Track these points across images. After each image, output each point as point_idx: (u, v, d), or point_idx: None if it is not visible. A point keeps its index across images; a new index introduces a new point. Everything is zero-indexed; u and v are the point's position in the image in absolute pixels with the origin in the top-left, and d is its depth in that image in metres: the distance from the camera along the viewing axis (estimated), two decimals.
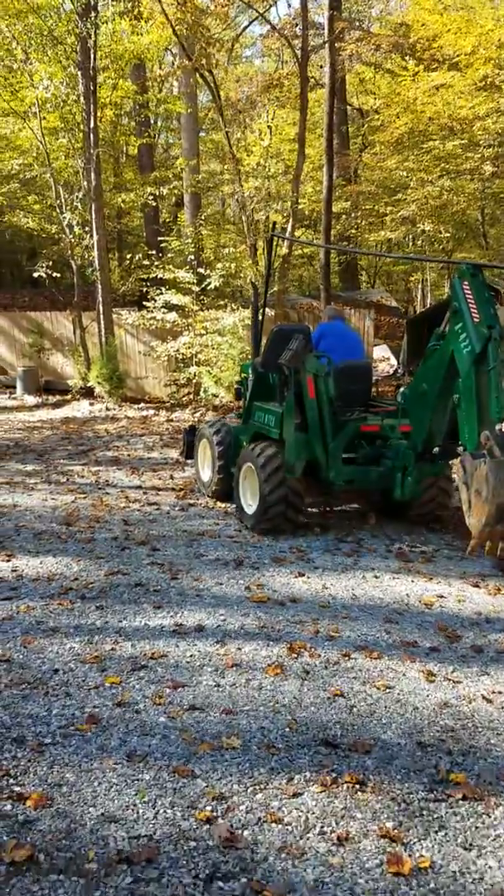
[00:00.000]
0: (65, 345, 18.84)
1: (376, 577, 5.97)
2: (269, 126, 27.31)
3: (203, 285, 14.98)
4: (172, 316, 14.86)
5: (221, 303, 16.17)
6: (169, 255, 17.42)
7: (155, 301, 15.38)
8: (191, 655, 4.51)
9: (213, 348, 14.86)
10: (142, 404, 16.64)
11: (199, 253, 15.76)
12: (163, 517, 7.77)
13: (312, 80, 28.78)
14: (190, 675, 4.26)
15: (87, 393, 17.15)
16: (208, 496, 8.45)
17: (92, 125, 15.75)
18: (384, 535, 7.21)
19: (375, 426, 7.02)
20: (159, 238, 18.38)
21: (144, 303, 15.99)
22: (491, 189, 18.58)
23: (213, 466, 8.21)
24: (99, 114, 16.47)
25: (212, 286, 14.81)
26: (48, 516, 7.77)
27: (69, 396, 17.80)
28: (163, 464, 10.50)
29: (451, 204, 19.42)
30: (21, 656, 4.48)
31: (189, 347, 14.79)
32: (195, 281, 14.94)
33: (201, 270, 15.24)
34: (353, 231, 21.11)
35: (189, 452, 8.95)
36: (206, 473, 8.51)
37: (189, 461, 9.60)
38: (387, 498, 7.33)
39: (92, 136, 15.78)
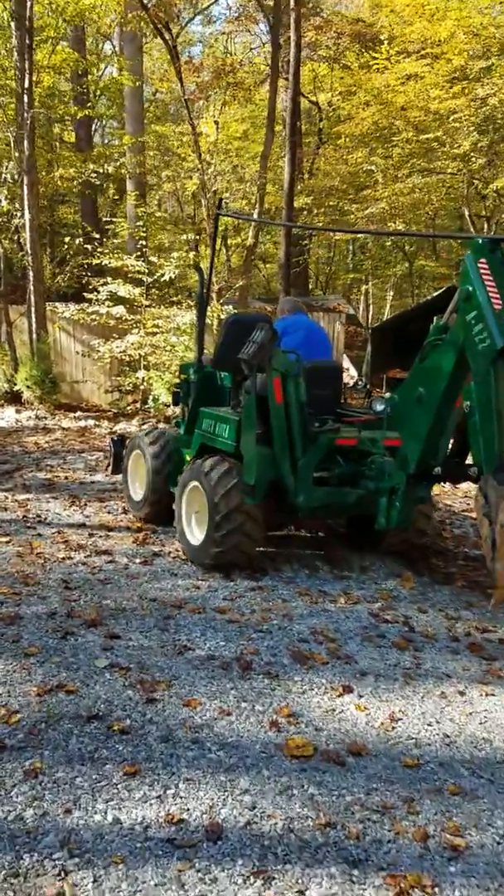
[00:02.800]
0: None
1: (461, 693, 3.91)
2: (215, 121, 25.37)
3: (156, 276, 12.76)
4: (119, 310, 12.60)
5: (174, 299, 14.02)
6: (113, 242, 15.20)
7: (98, 293, 13.07)
8: None
9: (167, 350, 12.68)
10: (79, 413, 14.29)
11: (145, 243, 13.48)
12: (119, 575, 5.57)
13: (267, 67, 26.90)
14: None
15: (14, 398, 14.70)
16: (139, 519, 7.01)
17: (26, 85, 13.40)
18: (423, 595, 5.18)
19: (353, 439, 5.72)
20: (105, 220, 16.04)
21: (86, 295, 13.64)
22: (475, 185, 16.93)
23: (148, 484, 6.83)
24: (35, 77, 14.13)
25: (165, 277, 12.60)
26: None
27: None
28: (111, 490, 8.25)
29: (423, 203, 17.77)
30: None
31: (138, 348, 12.55)
32: (146, 270, 12.71)
33: (153, 259, 13.01)
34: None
35: (117, 467, 7.64)
36: (138, 492, 7.10)
37: (117, 476, 8.08)
38: (354, 522, 6.31)
39: (26, 97, 13.43)
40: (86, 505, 7.68)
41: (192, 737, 3.35)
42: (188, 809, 2.82)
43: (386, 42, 18.20)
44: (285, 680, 3.95)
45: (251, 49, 29.03)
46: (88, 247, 13.90)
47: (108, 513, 7.43)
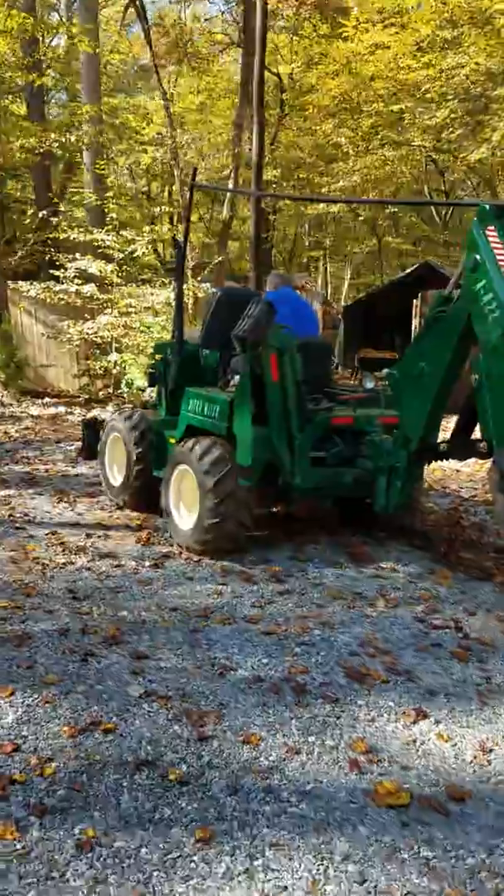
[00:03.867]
0: None
1: None
2: (169, 93, 24.51)
3: (127, 251, 12.06)
4: (90, 288, 11.87)
5: (144, 276, 13.34)
6: (71, 217, 14.36)
7: (65, 270, 12.32)
8: None
9: (141, 331, 12.03)
10: (47, 399, 13.60)
11: (115, 216, 12.76)
12: (130, 581, 5.04)
13: (224, 37, 26.07)
14: None
15: None
16: (118, 505, 6.80)
17: None
18: (465, 594, 4.78)
19: (348, 418, 5.61)
20: (71, 190, 15.19)
21: (53, 272, 12.85)
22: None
23: (127, 469, 6.58)
24: None
25: (138, 253, 11.92)
26: None
27: None
28: (98, 484, 7.66)
29: (396, 175, 17.33)
30: None
31: (111, 329, 11.87)
32: (116, 246, 11.99)
33: (125, 233, 12.29)
34: (287, 203, 18.59)
35: (90, 452, 7.49)
36: (117, 477, 6.83)
37: (90, 462, 8.04)
38: (343, 501, 6.30)
39: None
40: (75, 501, 7.09)
41: (263, 785, 2.86)
42: (286, 888, 2.34)
43: (355, 9, 17.62)
44: (348, 704, 3.49)
45: (206, 18, 28.12)
46: (54, 220, 13.08)
47: (102, 509, 6.86)
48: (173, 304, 7.90)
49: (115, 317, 11.76)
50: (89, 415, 11.99)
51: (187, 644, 4.08)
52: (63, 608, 4.56)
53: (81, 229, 12.74)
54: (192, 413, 5.87)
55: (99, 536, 6.03)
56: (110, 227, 12.18)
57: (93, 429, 7.54)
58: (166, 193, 29.90)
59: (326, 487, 5.69)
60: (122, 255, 12.05)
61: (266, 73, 25.75)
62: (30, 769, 2.92)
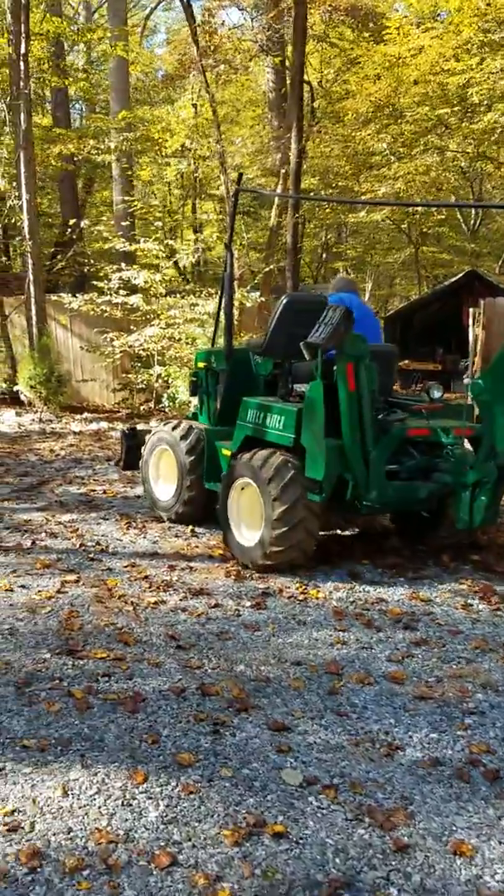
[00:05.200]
0: None
1: None
2: (193, 104, 24.08)
3: (174, 260, 11.51)
4: (136, 299, 11.31)
5: (187, 287, 12.79)
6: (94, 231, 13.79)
7: (108, 280, 11.77)
8: None
9: (187, 343, 11.46)
10: (86, 414, 13.03)
11: (161, 224, 12.23)
12: (234, 626, 4.42)
13: (257, 44, 25.66)
14: None
15: (13, 400, 13.40)
16: (168, 519, 6.51)
17: (23, 50, 12.03)
18: None
19: (424, 429, 5.33)
20: (124, 199, 14.67)
21: (96, 283, 12.30)
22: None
23: (179, 482, 6.33)
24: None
25: (185, 262, 11.37)
26: (25, 632, 4.27)
27: None
28: (194, 521, 7.01)
29: (442, 182, 16.75)
30: None
31: (157, 341, 11.31)
32: (166, 255, 11.44)
33: (171, 242, 11.76)
34: (327, 210, 18.02)
35: (130, 462, 7.29)
36: (166, 491, 6.57)
37: (129, 472, 7.94)
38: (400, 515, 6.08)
39: (23, 64, 12.06)
40: (144, 527, 6.49)
41: None
42: None
43: (396, 10, 17.13)
44: None
45: (236, 26, 27.70)
46: (102, 228, 12.56)
47: (176, 536, 6.26)
48: (220, 312, 7.71)
49: (162, 328, 11.17)
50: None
51: (330, 711, 3.45)
52: (169, 660, 3.95)
53: (124, 239, 12.17)
54: (252, 424, 5.57)
55: (183, 569, 5.42)
56: (158, 235, 11.63)
57: (132, 438, 7.32)
58: (189, 206, 29.40)
59: (399, 502, 5.45)
60: (169, 265, 11.47)
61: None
62: (198, 894, 2.30)
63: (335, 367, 5.02)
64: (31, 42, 14.23)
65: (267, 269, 12.45)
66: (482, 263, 23.08)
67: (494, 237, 27.62)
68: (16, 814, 2.69)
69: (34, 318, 12.79)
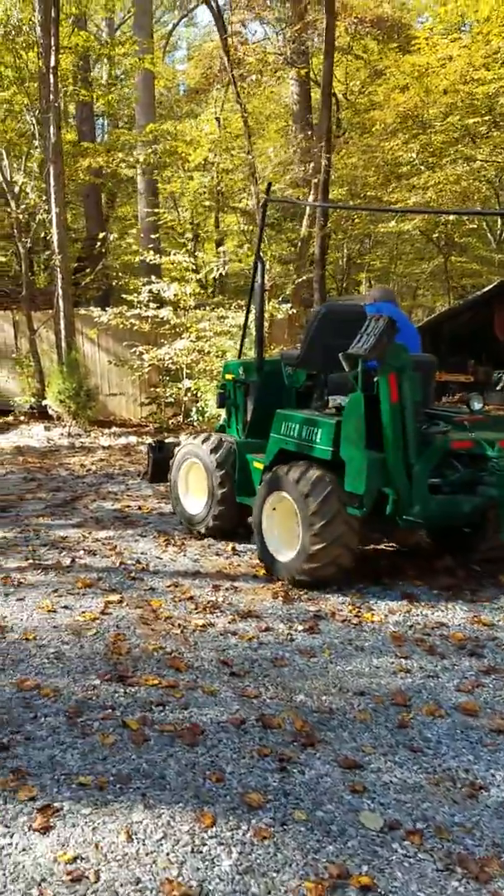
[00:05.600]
0: (5, 353, 14.87)
1: None
2: (216, 117, 24.08)
3: (204, 273, 11.39)
4: (166, 312, 11.19)
5: (215, 299, 12.65)
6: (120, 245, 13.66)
7: (139, 294, 11.66)
8: None
9: (217, 356, 11.31)
10: (114, 429, 12.91)
11: (191, 236, 12.09)
12: (289, 651, 4.21)
13: (276, 56, 25.67)
14: None
15: (41, 414, 13.31)
16: (199, 533, 6.40)
17: (52, 63, 12.00)
18: None
19: (468, 441, 5.15)
20: (151, 210, 14.60)
21: (125, 296, 12.20)
22: None
23: (210, 495, 6.25)
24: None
25: (214, 275, 11.24)
26: (72, 656, 4.09)
27: (11, 418, 13.90)
28: (225, 536, 6.84)
29: (473, 191, 16.55)
30: None
31: (187, 354, 11.17)
32: (194, 267, 11.32)
33: (199, 254, 11.64)
34: (356, 220, 17.85)
35: (155, 475, 7.26)
36: (196, 504, 6.49)
37: (162, 487, 7.85)
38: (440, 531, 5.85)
39: (52, 77, 12.03)
40: (183, 544, 6.31)
41: None
42: None
43: (428, 19, 17.02)
44: None
45: (261, 39, 27.72)
46: (130, 241, 12.47)
47: (217, 554, 6.07)
48: (250, 324, 7.66)
49: (192, 341, 11.03)
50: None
51: (403, 747, 3.23)
52: (224, 688, 3.75)
53: (154, 253, 12.06)
54: (286, 436, 5.42)
55: (228, 589, 5.23)
56: (186, 249, 11.52)
57: (158, 451, 7.31)
58: (212, 219, 29.37)
59: (442, 517, 5.26)
60: (199, 278, 11.35)
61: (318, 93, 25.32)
62: None
63: (375, 379, 4.90)
64: (60, 55, 14.25)
65: (299, 280, 12.25)
66: None
67: None
68: (78, 861, 2.50)
69: (63, 333, 12.70)
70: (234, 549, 6.18)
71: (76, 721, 3.42)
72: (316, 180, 12.75)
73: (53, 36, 11.96)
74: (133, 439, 11.97)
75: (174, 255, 11.55)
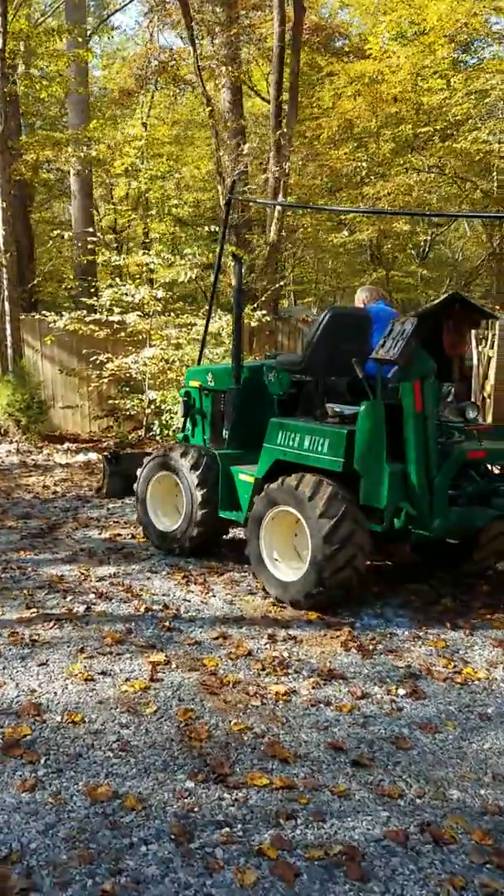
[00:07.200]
0: None
1: None
2: (143, 122, 23.26)
3: (170, 276, 10.52)
4: (133, 318, 10.25)
5: (176, 305, 11.77)
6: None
7: (98, 297, 10.68)
8: None
9: (186, 365, 10.45)
10: (68, 444, 11.81)
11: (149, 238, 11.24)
12: (402, 725, 3.45)
13: (217, 62, 25.06)
14: None
15: None
16: (175, 552, 5.94)
17: (0, 45, 10.93)
18: None
19: (481, 452, 4.98)
20: (96, 210, 13.50)
21: (85, 299, 11.17)
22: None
23: (189, 511, 5.80)
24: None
25: (182, 279, 10.40)
26: (139, 745, 3.20)
27: None
28: (214, 555, 6.05)
29: (425, 203, 16.28)
30: None
31: (156, 363, 10.27)
32: (156, 269, 10.43)
33: (169, 256, 10.76)
34: (307, 229, 17.28)
35: (112, 489, 7.16)
36: (168, 522, 6.10)
37: (111, 499, 7.63)
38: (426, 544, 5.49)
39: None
40: (206, 581, 5.45)
41: None
42: None
43: (381, 26, 16.71)
44: None
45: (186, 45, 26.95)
46: (91, 240, 11.46)
47: (252, 594, 5.24)
48: (207, 330, 7.26)
49: (163, 349, 10.14)
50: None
51: None
52: (354, 785, 2.96)
53: (122, 253, 11.11)
54: (283, 447, 5.10)
55: (285, 640, 4.43)
56: (159, 248, 10.64)
57: (114, 462, 7.01)
58: (140, 227, 28.27)
59: (458, 531, 5.10)
60: (167, 281, 10.47)
61: (254, 103, 24.76)
62: None
63: (390, 386, 4.68)
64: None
65: (273, 288, 11.54)
66: (432, 288, 22.87)
67: (441, 263, 27.44)
68: None
69: (9, 339, 11.57)
70: (246, 578, 5.38)
71: (189, 848, 2.56)
72: (274, 184, 12.10)
73: (1, 16, 10.88)
74: (93, 456, 10.93)
75: (142, 255, 10.64)
